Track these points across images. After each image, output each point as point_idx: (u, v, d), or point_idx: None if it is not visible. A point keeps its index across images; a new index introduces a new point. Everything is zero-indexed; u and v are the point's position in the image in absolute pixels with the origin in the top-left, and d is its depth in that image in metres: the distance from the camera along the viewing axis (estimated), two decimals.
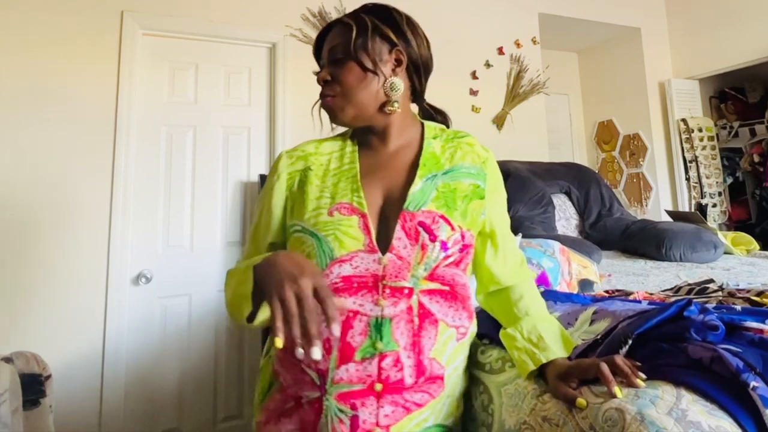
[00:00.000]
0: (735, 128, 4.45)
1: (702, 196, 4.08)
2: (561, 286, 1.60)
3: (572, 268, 1.74)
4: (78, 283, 2.28)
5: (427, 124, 1.07)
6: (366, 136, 1.03)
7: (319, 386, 0.86)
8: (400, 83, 0.98)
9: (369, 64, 0.95)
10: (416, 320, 0.86)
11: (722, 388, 0.82)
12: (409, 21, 1.02)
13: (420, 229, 0.89)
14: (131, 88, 2.50)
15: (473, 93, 3.48)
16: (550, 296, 1.31)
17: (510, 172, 3.13)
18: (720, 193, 4.17)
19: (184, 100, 2.69)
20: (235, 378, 2.59)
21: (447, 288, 0.90)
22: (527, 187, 3.04)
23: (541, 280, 1.56)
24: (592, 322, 1.11)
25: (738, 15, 3.88)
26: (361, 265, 0.88)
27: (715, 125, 4.36)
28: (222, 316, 2.58)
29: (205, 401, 2.51)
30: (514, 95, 3.62)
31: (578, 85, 4.81)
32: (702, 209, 4.03)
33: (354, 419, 0.82)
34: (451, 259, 0.90)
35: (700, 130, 4.14)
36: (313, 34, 3.03)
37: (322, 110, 1.02)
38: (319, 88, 1.01)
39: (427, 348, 0.87)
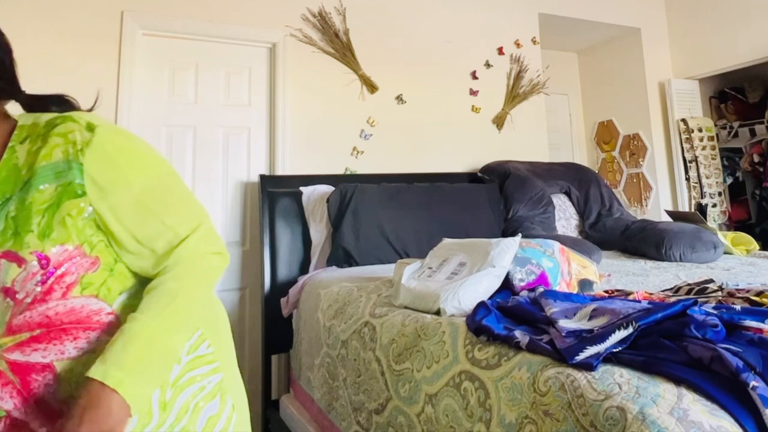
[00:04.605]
0: (735, 128, 4.45)
1: (702, 196, 4.08)
2: (560, 286, 1.60)
3: (572, 268, 1.73)
4: None
5: (22, 122, 0.84)
6: None
7: None
8: None
9: None
10: (15, 378, 0.77)
11: (722, 388, 0.82)
12: None
13: None
14: (131, 88, 2.50)
15: (473, 93, 3.48)
16: (550, 296, 1.31)
17: (510, 172, 3.13)
18: (720, 193, 4.17)
19: (184, 100, 2.69)
20: None
21: (41, 330, 0.77)
22: (527, 187, 3.04)
23: (541, 280, 1.56)
24: (590, 318, 1.12)
25: (738, 15, 3.88)
26: None
27: (715, 125, 4.37)
28: None
29: None
30: (514, 95, 3.62)
31: (578, 85, 4.81)
32: (702, 209, 4.03)
33: None
34: (28, 300, 0.76)
35: (700, 130, 4.14)
36: (313, 34, 3.03)
37: None
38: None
39: (49, 396, 0.79)
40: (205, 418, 0.90)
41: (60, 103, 0.89)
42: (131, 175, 0.83)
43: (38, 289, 0.77)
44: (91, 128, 0.80)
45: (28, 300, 0.77)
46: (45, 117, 0.83)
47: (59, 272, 0.78)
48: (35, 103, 0.89)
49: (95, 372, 0.74)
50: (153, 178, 0.86)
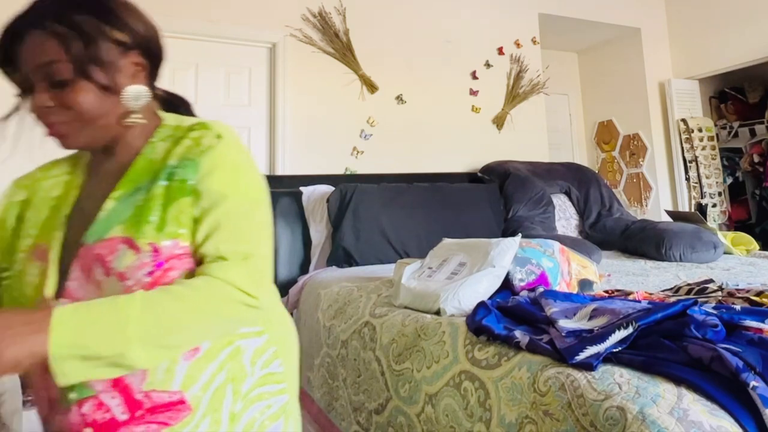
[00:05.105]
0: (735, 128, 4.45)
1: (702, 196, 4.09)
2: (560, 286, 1.60)
3: (572, 268, 1.74)
4: None
5: (166, 122, 0.90)
6: (96, 154, 0.88)
7: None
8: (144, 91, 0.84)
9: (104, 80, 0.79)
10: None
11: (722, 388, 0.82)
12: (127, 7, 0.83)
13: (95, 264, 0.78)
14: None
15: (473, 93, 3.48)
16: (550, 296, 1.32)
17: (510, 172, 3.13)
18: (720, 193, 4.18)
19: None
20: None
21: None
22: (527, 187, 3.04)
23: (541, 280, 1.56)
24: (590, 318, 1.12)
25: (738, 15, 3.89)
26: None
27: (715, 125, 4.37)
28: None
29: None
30: (514, 95, 3.62)
31: (578, 85, 4.81)
32: (702, 209, 4.03)
33: None
34: (135, 288, 0.78)
35: (700, 130, 4.14)
36: (313, 34, 3.03)
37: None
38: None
39: (135, 385, 0.79)
40: None
41: (185, 106, 0.95)
42: (227, 191, 0.83)
43: (146, 279, 0.78)
44: (218, 137, 0.84)
45: (136, 288, 0.77)
46: (188, 121, 0.88)
47: (166, 266, 0.79)
48: (170, 100, 0.95)
49: (61, 311, 0.70)
50: (242, 201, 0.85)
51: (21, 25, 0.77)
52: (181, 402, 0.80)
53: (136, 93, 0.82)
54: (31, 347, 0.67)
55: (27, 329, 0.68)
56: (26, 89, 0.80)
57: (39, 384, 0.81)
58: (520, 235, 1.77)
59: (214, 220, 0.82)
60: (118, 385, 0.78)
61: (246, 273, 0.83)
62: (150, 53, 0.85)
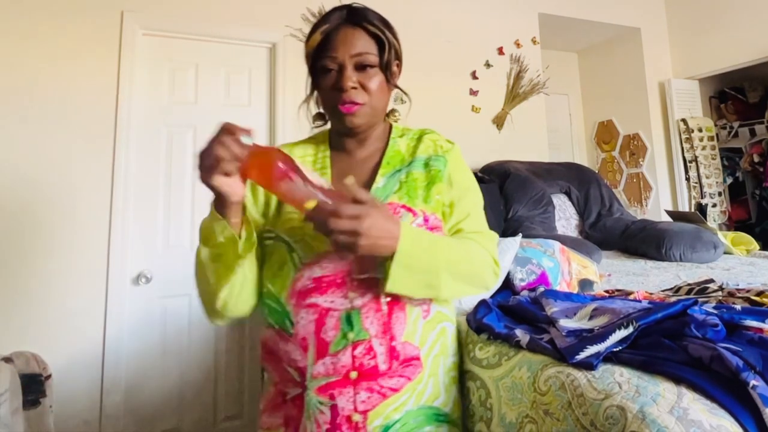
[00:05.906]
0: (735, 128, 4.45)
1: (702, 196, 4.08)
2: (561, 286, 1.60)
3: (572, 268, 1.74)
4: (78, 283, 2.28)
5: (396, 125, 1.13)
6: (342, 140, 1.06)
7: (300, 383, 0.91)
8: (401, 93, 1.08)
9: (390, 77, 1.03)
10: (385, 308, 0.91)
11: (722, 387, 0.82)
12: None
13: None
14: (131, 88, 2.50)
15: (473, 93, 3.48)
16: (550, 296, 1.31)
17: (510, 172, 3.13)
18: (720, 193, 4.17)
19: (184, 100, 2.69)
20: (235, 378, 2.59)
21: None
22: (527, 187, 3.04)
23: (541, 280, 1.56)
24: (591, 317, 1.12)
25: (738, 15, 3.89)
26: (330, 265, 0.93)
27: (715, 125, 4.37)
28: None
29: (205, 401, 2.51)
30: (514, 95, 3.62)
31: (578, 85, 4.81)
32: (702, 209, 4.03)
33: (333, 408, 0.87)
34: None
35: (700, 130, 4.14)
36: None
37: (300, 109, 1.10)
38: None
39: (398, 333, 0.91)
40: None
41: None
42: (471, 185, 1.07)
43: None
44: (450, 143, 1.10)
45: None
46: (412, 128, 1.14)
47: (432, 232, 0.97)
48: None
49: (406, 225, 0.87)
50: (478, 194, 1.08)
51: (340, 21, 0.99)
52: (418, 358, 0.93)
53: (400, 93, 1.08)
54: (390, 245, 0.82)
55: (393, 228, 0.83)
56: (324, 72, 0.98)
57: (311, 327, 0.90)
58: (520, 234, 1.78)
59: (467, 205, 1.03)
60: (387, 332, 0.90)
61: (494, 247, 1.03)
62: (401, 63, 1.08)
